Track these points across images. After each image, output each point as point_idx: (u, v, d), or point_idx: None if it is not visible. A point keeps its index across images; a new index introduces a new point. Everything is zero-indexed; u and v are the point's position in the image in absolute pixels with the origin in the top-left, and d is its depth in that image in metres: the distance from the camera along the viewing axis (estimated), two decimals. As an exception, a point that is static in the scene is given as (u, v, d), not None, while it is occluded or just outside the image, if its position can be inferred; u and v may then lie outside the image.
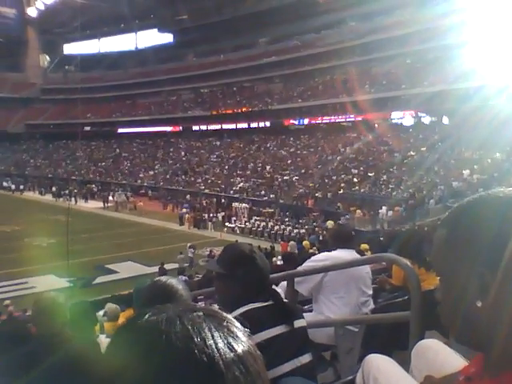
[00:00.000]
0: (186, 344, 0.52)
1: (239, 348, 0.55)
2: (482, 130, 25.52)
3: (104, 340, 3.40)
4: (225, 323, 0.57)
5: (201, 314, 0.57)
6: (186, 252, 21.61)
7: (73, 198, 38.47)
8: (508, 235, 0.78)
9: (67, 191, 41.14)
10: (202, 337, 0.53)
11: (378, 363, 1.65)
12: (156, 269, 19.79)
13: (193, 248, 22.15)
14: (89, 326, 3.30)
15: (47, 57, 69.97)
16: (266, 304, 1.85)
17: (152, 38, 62.64)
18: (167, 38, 62.26)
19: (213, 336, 0.54)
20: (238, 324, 0.59)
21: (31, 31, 66.99)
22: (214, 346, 0.53)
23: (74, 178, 48.59)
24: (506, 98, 28.14)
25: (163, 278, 2.00)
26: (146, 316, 0.57)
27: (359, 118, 39.39)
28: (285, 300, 2.02)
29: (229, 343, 0.54)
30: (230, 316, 0.60)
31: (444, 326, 0.90)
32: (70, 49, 68.50)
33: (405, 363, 1.64)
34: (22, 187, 47.10)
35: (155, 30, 62.40)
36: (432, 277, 3.58)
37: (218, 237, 26.22)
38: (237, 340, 0.56)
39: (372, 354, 1.72)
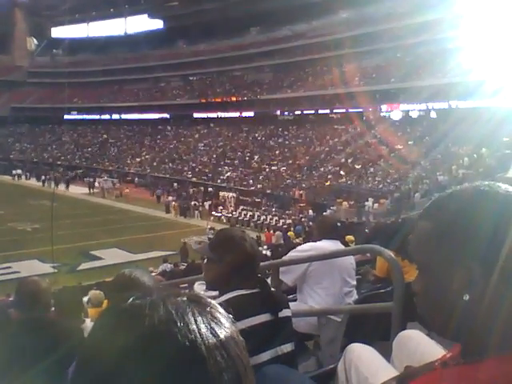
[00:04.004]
0: (169, 328, 0.52)
1: (222, 334, 0.55)
2: (469, 125, 25.73)
3: (89, 324, 3.39)
4: (208, 309, 0.57)
5: (185, 299, 0.57)
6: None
7: (63, 184, 38.33)
8: (497, 229, 0.78)
9: (52, 176, 40.74)
10: (185, 321, 0.53)
11: (360, 352, 1.67)
12: (141, 256, 19.82)
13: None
14: (76, 311, 3.29)
15: (34, 40, 68.79)
16: (252, 291, 1.87)
17: (142, 23, 61.79)
18: (157, 23, 61.48)
19: (196, 321, 0.54)
20: (221, 310, 0.59)
21: (19, 13, 65.72)
22: (196, 331, 0.53)
23: (59, 162, 48.18)
24: (495, 95, 28.37)
25: (127, 271, 2.01)
26: (130, 300, 0.57)
27: (348, 111, 39.41)
28: (272, 289, 2.04)
29: (212, 328, 0.54)
30: (213, 302, 0.60)
31: (421, 316, 0.91)
32: (58, 32, 67.27)
33: (386, 353, 1.66)
34: (19, 172, 45.85)
35: (145, 15, 61.57)
36: (415, 269, 3.62)
37: (205, 225, 26.20)
38: (220, 326, 0.56)
39: (354, 344, 1.74)
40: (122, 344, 0.52)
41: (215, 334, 0.54)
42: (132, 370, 0.51)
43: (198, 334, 0.53)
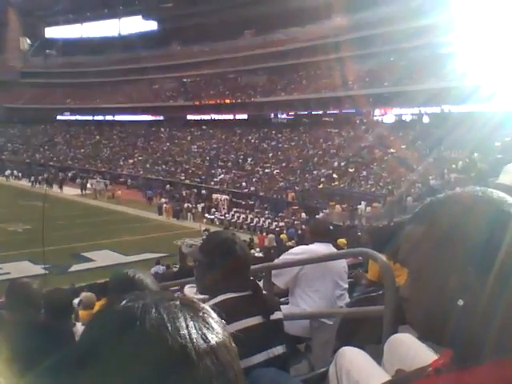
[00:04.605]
0: (160, 332, 0.52)
1: (213, 339, 0.55)
2: (461, 130, 25.88)
3: (80, 328, 3.37)
4: (201, 313, 0.57)
5: (177, 303, 0.57)
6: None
7: (56, 185, 38.22)
8: (492, 234, 0.78)
9: (45, 177, 40.56)
10: (176, 326, 0.53)
11: (351, 356, 1.67)
12: (133, 258, 19.73)
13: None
14: (66, 313, 3.27)
15: (28, 40, 68.49)
16: (244, 294, 1.87)
17: (136, 24, 61.65)
18: (151, 25, 61.40)
19: (187, 326, 0.54)
20: (214, 315, 0.59)
21: (12, 13, 65.43)
22: (187, 336, 0.53)
23: (51, 163, 47.94)
24: (488, 100, 28.57)
25: (131, 272, 2.00)
26: (124, 302, 0.57)
27: (341, 114, 39.54)
28: (264, 292, 2.04)
29: (203, 334, 0.54)
30: (206, 306, 0.60)
31: (409, 322, 0.90)
32: (52, 32, 67.07)
33: (378, 357, 1.66)
34: (11, 172, 45.56)
35: (139, 16, 61.49)
36: (407, 273, 3.62)
37: (197, 228, 26.16)
38: (211, 331, 0.56)
39: (345, 347, 1.74)
40: (113, 347, 0.52)
41: (206, 340, 0.54)
42: (122, 373, 0.51)
43: (188, 339, 0.52)
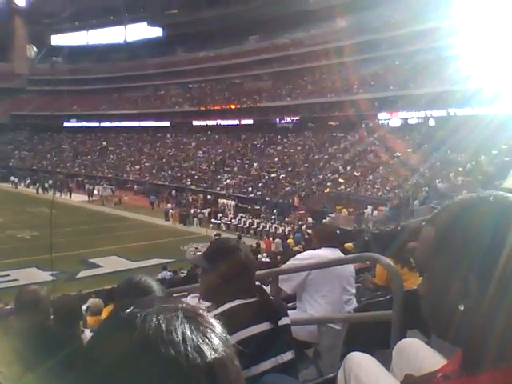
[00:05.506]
0: (155, 343, 0.52)
1: (210, 355, 0.53)
2: (467, 132, 25.78)
3: (88, 334, 3.38)
4: (202, 327, 0.56)
5: (180, 314, 0.56)
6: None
7: (64, 192, 38.45)
8: (495, 240, 0.78)
9: (52, 184, 40.76)
10: (171, 338, 0.52)
11: (360, 361, 1.67)
12: (140, 264, 19.74)
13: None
14: (74, 319, 3.28)
15: (34, 47, 69.01)
16: (251, 301, 1.86)
17: (141, 31, 62.08)
18: (156, 31, 61.76)
19: (184, 339, 0.53)
20: (218, 329, 0.58)
21: (19, 21, 65.94)
22: (182, 349, 0.52)
23: (58, 170, 48.17)
24: (493, 102, 28.46)
25: (138, 276, 2.01)
26: (129, 309, 0.57)
27: (346, 118, 39.47)
28: (271, 297, 2.04)
29: (200, 349, 0.53)
30: (212, 319, 0.59)
31: (424, 319, 0.91)
32: (58, 40, 67.58)
33: (386, 362, 1.66)
34: (18, 179, 45.90)
35: (145, 23, 61.86)
36: (415, 276, 3.62)
37: (204, 233, 26.17)
38: (210, 346, 0.54)
39: (354, 352, 1.74)
40: (113, 353, 0.53)
41: (202, 355, 0.52)
42: (117, 379, 0.51)
43: (182, 353, 0.51)
